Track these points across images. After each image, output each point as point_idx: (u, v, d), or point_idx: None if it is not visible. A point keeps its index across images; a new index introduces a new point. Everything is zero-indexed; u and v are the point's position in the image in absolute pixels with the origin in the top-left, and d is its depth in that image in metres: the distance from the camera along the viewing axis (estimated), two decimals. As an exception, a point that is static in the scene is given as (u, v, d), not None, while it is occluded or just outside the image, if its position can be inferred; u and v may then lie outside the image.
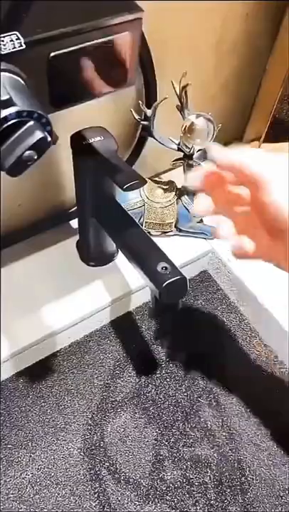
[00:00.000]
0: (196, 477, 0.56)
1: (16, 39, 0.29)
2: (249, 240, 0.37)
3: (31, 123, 0.28)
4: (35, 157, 0.29)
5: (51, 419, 0.59)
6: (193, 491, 0.55)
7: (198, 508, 0.54)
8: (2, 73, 0.29)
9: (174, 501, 0.55)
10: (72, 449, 0.57)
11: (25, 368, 0.62)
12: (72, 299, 0.63)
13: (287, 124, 0.93)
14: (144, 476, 0.56)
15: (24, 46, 0.29)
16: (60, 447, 0.57)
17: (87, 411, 0.60)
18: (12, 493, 0.54)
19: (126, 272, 0.66)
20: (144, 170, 0.71)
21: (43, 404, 0.60)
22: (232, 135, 0.82)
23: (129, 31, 0.33)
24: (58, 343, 0.64)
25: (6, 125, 0.27)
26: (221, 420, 0.60)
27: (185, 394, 0.62)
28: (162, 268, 0.48)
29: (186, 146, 0.58)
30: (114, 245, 0.66)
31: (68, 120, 0.49)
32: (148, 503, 0.54)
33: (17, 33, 0.29)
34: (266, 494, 0.56)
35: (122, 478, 0.56)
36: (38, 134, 0.28)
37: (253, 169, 0.34)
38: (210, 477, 0.56)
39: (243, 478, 0.57)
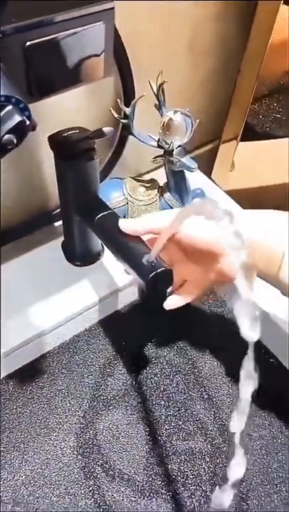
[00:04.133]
0: (190, 470, 0.56)
1: (-8, 28, 0.30)
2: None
3: (10, 107, 0.29)
4: (15, 141, 0.30)
5: (43, 420, 0.59)
6: (189, 483, 0.55)
7: (194, 499, 0.54)
8: (-21, 61, 0.29)
9: (169, 495, 0.54)
10: (65, 449, 0.57)
11: (15, 370, 0.62)
12: (60, 300, 0.63)
13: (261, 123, 0.96)
14: (138, 472, 0.56)
15: (0, 35, 0.30)
16: (52, 447, 0.57)
17: (79, 410, 0.60)
18: (6, 496, 0.53)
19: (112, 270, 0.66)
20: (126, 170, 0.72)
21: (34, 405, 0.60)
22: (211, 135, 0.84)
23: (102, 21, 0.34)
24: (47, 344, 0.64)
25: (-15, 109, 0.28)
26: (212, 413, 0.61)
27: (176, 389, 0.62)
28: (147, 261, 0.48)
29: (165, 142, 0.59)
30: (100, 245, 0.67)
31: (48, 123, 0.50)
32: (144, 498, 0.54)
33: (-7, 22, 0.30)
34: (261, 483, 0.56)
35: (117, 474, 0.56)
36: (17, 118, 0.29)
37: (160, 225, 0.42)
38: (204, 469, 0.56)
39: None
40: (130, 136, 0.65)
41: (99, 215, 0.53)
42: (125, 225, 0.46)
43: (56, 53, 0.34)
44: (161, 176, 0.69)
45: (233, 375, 0.63)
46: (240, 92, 0.78)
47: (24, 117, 0.29)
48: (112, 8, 0.34)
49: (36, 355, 0.63)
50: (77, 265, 0.66)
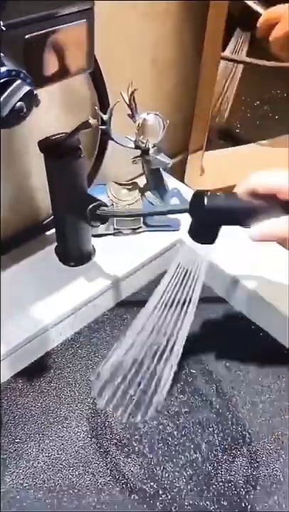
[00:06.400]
0: (200, 439, 0.59)
1: (-3, 23, 0.36)
2: None
3: (19, 80, 0.35)
4: (25, 109, 0.35)
5: (54, 411, 0.61)
6: (201, 451, 0.58)
7: (207, 464, 0.57)
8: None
9: (184, 463, 0.57)
10: (79, 433, 0.59)
11: (22, 369, 0.65)
12: (57, 299, 0.67)
13: (222, 134, 1.05)
14: (151, 446, 0.58)
15: (4, 28, 0.36)
16: (66, 434, 0.59)
17: (88, 398, 0.62)
18: (27, 483, 0.55)
19: (106, 268, 0.71)
20: (108, 179, 0.78)
21: (44, 398, 0.62)
22: (179, 146, 0.92)
23: (85, 19, 0.41)
24: (50, 343, 0.67)
25: (0, 81, 0.34)
26: (214, 386, 0.64)
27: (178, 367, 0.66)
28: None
29: (141, 142, 0.66)
30: (91, 246, 0.72)
31: (33, 135, 0.56)
32: (159, 469, 0.56)
33: (-3, 18, 0.36)
34: (268, 441, 0.59)
35: (131, 451, 0.58)
36: (27, 88, 0.35)
37: None
38: (214, 436, 0.59)
39: (244, 432, 0.60)
40: (108, 149, 0.72)
41: (90, 207, 0.59)
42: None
43: (50, 46, 0.40)
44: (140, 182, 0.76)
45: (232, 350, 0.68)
46: (201, 105, 0.86)
47: (32, 88, 0.35)
48: (92, 8, 0.41)
49: (41, 354, 0.66)
50: (71, 266, 0.71)
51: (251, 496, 0.55)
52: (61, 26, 0.40)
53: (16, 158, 0.66)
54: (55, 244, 0.72)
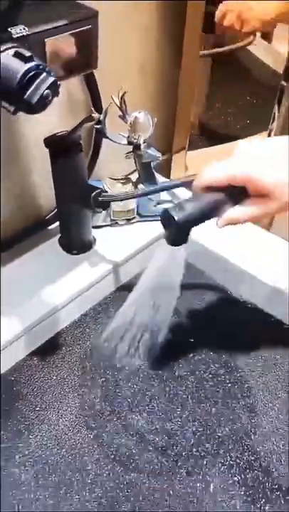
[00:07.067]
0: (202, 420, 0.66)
1: (23, 29, 0.44)
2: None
3: (45, 73, 0.42)
4: (50, 97, 0.43)
5: (69, 382, 0.67)
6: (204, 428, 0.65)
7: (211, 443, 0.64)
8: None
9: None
10: (94, 399, 0.65)
11: (35, 348, 0.70)
12: (64, 284, 0.73)
13: (203, 135, 1.14)
14: (160, 405, 0.65)
15: (28, 33, 0.44)
16: (82, 400, 0.65)
17: (99, 369, 0.69)
18: (50, 443, 0.60)
19: (106, 255, 0.78)
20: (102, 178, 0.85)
21: (59, 372, 0.68)
22: (163, 147, 1.00)
23: (91, 25, 0.49)
24: (59, 323, 0.73)
25: (30, 74, 0.41)
26: (215, 371, 0.71)
27: (178, 347, 0.72)
28: None
29: (133, 138, 0.74)
30: (92, 236, 0.79)
31: (36, 135, 0.63)
32: (169, 424, 0.63)
33: (23, 25, 0.44)
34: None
35: (142, 410, 0.64)
36: (52, 78, 0.42)
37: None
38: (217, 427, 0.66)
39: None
40: (102, 148, 0.79)
41: (93, 194, 0.66)
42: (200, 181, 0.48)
43: (64, 48, 0.48)
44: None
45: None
46: (182, 107, 0.95)
47: (56, 78, 0.42)
48: (97, 15, 0.49)
49: (52, 334, 0.72)
50: (74, 254, 0.78)
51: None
52: (72, 31, 0.47)
53: (18, 158, 0.72)
54: (58, 236, 0.79)
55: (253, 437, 0.62)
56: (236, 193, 0.48)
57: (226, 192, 0.48)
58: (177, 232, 0.50)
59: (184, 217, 0.48)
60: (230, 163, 0.47)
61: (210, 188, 0.48)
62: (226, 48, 0.91)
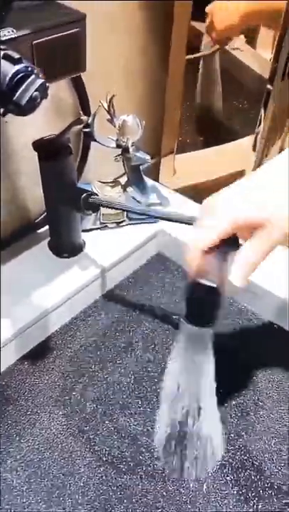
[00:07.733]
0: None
1: (11, 31, 0.44)
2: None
3: (34, 75, 0.42)
4: (39, 99, 0.43)
5: (60, 385, 0.67)
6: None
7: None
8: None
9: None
10: (85, 402, 0.65)
11: (26, 352, 0.70)
12: (55, 288, 0.73)
13: (191, 140, 1.15)
14: (153, 404, 0.65)
15: (17, 35, 0.44)
16: (76, 400, 0.65)
17: (90, 372, 0.68)
18: (42, 447, 0.60)
19: (96, 258, 0.78)
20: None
21: (50, 375, 0.68)
22: (152, 150, 1.00)
23: (79, 28, 0.49)
24: (50, 327, 0.73)
25: (19, 76, 0.41)
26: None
27: (169, 339, 0.73)
28: None
29: (122, 141, 0.74)
30: (82, 239, 0.79)
31: (24, 139, 0.63)
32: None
33: (11, 28, 0.44)
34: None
35: (134, 412, 0.64)
36: (40, 80, 0.42)
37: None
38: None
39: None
40: (91, 152, 0.80)
41: (83, 196, 0.66)
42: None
43: (52, 50, 0.48)
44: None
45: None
46: (169, 111, 0.96)
47: (44, 80, 0.43)
48: (84, 18, 0.50)
49: (42, 339, 0.72)
50: (64, 257, 0.77)
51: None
52: (61, 34, 0.48)
53: (8, 160, 0.72)
54: (48, 240, 0.79)
55: (245, 437, 0.62)
56: (230, 242, 0.44)
57: (221, 249, 0.44)
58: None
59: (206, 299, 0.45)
60: (209, 223, 0.44)
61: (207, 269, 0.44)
62: (200, 54, 0.92)
